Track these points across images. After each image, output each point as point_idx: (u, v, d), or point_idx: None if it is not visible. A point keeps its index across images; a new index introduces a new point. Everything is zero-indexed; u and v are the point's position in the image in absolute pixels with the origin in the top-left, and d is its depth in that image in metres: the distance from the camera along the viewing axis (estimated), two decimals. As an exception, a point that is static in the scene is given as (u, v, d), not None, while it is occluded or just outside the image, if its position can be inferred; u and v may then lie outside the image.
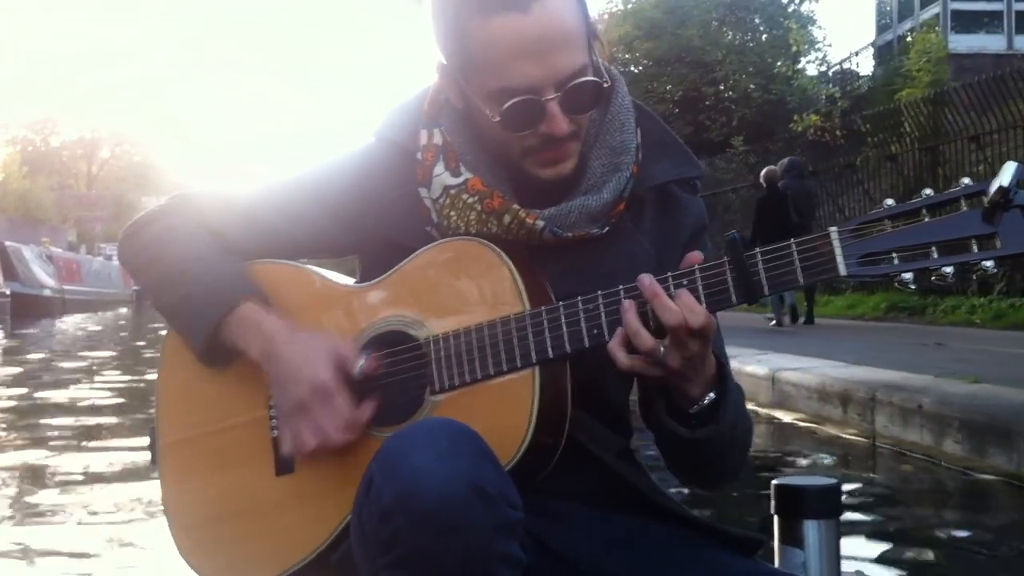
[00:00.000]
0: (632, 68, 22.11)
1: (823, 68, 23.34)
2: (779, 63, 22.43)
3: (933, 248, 1.06)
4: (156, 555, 3.09)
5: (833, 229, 1.09)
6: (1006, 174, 1.02)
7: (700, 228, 1.34)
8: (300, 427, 1.20)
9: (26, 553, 3.15)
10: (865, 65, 22.49)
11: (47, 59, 71.91)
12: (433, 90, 1.30)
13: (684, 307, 1.10)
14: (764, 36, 22.97)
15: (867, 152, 14.65)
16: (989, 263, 1.04)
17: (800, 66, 22.56)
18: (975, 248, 1.04)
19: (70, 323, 21.10)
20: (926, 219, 1.07)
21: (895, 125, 14.07)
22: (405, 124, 1.31)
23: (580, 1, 1.20)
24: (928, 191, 1.08)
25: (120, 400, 7.10)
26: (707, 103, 21.79)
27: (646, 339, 1.11)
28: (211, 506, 1.31)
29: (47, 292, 26.12)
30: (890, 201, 1.10)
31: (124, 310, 29.45)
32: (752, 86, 21.59)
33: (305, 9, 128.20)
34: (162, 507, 1.36)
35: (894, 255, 1.07)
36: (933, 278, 1.07)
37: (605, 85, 1.22)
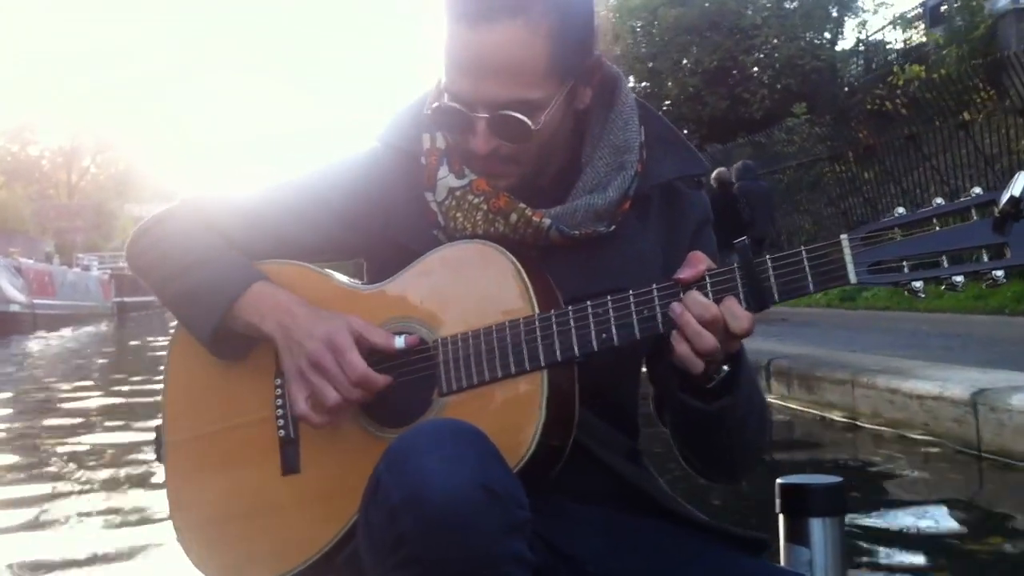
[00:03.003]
0: (657, 38, 21.97)
1: (861, 35, 23.14)
2: (826, 27, 22.29)
3: (943, 257, 1.16)
4: (160, 553, 3.28)
5: (844, 237, 1.19)
6: (1017, 185, 1.12)
7: (704, 222, 1.47)
8: (314, 382, 1.30)
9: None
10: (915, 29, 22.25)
11: (29, 61, 72.79)
12: (434, 94, 1.41)
13: (726, 312, 1.21)
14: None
15: (984, 110, 13.48)
16: (999, 273, 1.14)
17: (841, 30, 22.39)
18: (985, 257, 1.15)
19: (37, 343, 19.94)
20: (936, 228, 1.17)
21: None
22: (408, 128, 1.43)
23: (557, 36, 1.27)
24: (978, 189, 1.17)
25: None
26: (746, 73, 21.67)
27: (708, 339, 1.21)
28: (216, 505, 1.43)
29: (15, 308, 25.67)
30: (901, 209, 1.19)
31: (104, 326, 29.61)
32: (794, 52, 21.38)
33: (305, 9, 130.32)
34: (167, 505, 1.48)
35: (904, 264, 1.17)
36: (943, 287, 1.17)
37: (534, 128, 1.30)
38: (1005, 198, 1.12)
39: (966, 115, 13.54)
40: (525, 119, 1.29)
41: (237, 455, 1.42)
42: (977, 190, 1.16)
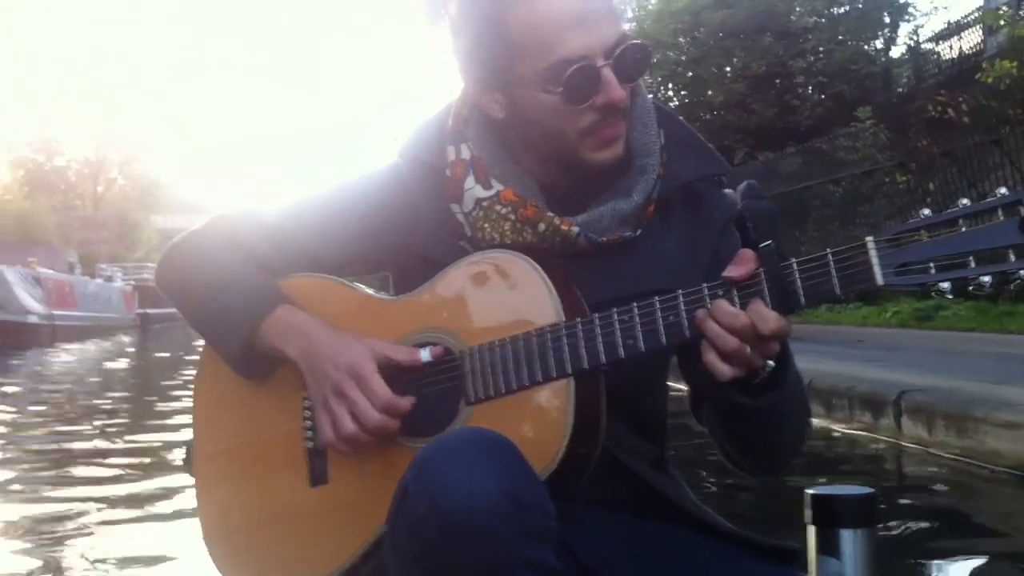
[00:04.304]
0: (700, 41, 21.80)
1: (913, 41, 22.79)
2: (880, 32, 22.10)
3: (971, 258, 1.20)
4: (188, 565, 3.33)
5: (869, 239, 1.23)
6: None
7: (729, 221, 1.52)
8: (338, 412, 1.37)
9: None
10: (969, 37, 21.87)
11: (50, 64, 74.59)
12: (456, 106, 1.49)
13: (754, 316, 1.25)
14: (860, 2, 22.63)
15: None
16: None
17: (895, 35, 22.13)
18: (1012, 258, 1.19)
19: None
20: (963, 229, 1.21)
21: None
22: (430, 142, 1.50)
23: None
24: (1003, 190, 1.21)
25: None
26: (795, 80, 21.52)
27: (731, 341, 1.26)
28: (245, 516, 1.50)
29: (33, 318, 25.63)
30: (926, 211, 1.24)
31: (126, 338, 29.79)
32: (847, 57, 21.16)
33: (304, 9, 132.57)
34: (196, 517, 1.55)
35: (931, 265, 1.22)
36: (971, 288, 1.22)
37: (650, 48, 1.40)
38: None
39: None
40: (643, 42, 1.38)
41: (265, 466, 1.49)
42: (1003, 190, 1.20)
